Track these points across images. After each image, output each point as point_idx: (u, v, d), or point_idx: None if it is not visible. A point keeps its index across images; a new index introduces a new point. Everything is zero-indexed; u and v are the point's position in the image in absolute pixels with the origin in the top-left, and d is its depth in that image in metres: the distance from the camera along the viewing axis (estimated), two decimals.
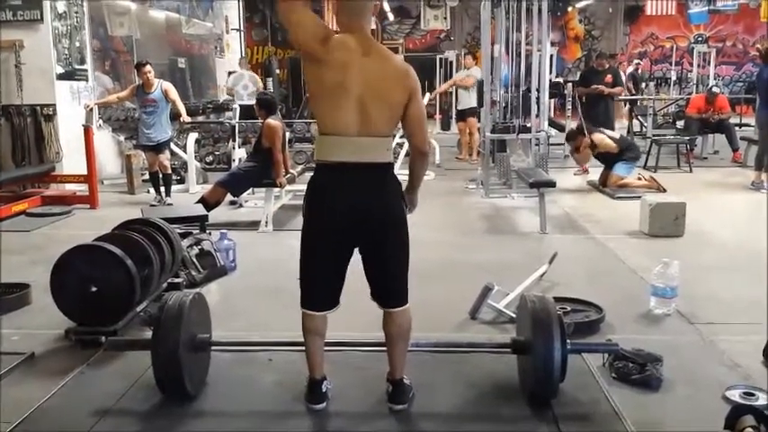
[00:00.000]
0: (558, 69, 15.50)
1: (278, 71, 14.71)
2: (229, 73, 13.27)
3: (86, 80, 8.39)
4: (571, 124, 10.92)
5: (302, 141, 8.86)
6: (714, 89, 10.65)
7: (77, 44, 8.15)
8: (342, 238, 2.57)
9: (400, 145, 9.20)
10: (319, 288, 2.65)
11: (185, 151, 8.26)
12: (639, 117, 12.63)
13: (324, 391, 2.75)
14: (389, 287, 2.66)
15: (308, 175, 4.62)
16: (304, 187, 2.67)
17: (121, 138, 9.10)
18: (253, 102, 10.53)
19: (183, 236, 4.59)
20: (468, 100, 10.07)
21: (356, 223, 2.53)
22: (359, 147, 2.49)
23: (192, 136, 8.39)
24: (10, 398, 2.84)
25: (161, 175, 7.29)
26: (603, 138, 7.82)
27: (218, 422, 2.73)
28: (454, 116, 10.73)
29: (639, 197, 6.17)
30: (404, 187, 2.70)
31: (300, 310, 2.68)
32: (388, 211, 2.56)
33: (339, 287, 2.66)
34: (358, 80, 2.44)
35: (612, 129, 9.61)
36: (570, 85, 11.29)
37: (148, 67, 7.20)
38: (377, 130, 2.49)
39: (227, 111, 11.31)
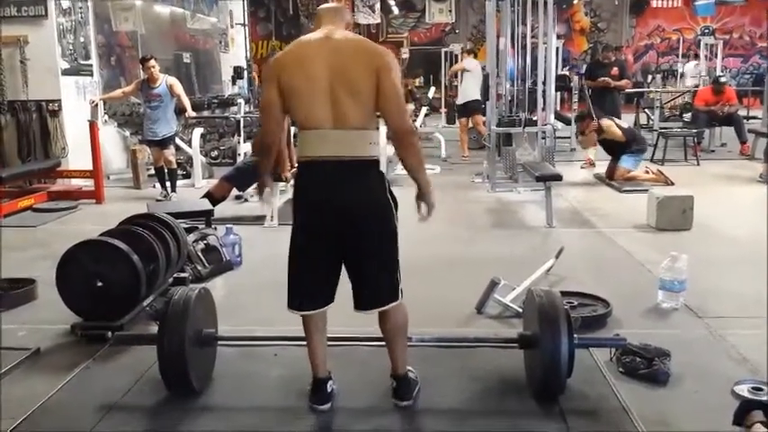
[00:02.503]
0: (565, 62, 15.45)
1: None
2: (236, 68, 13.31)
3: (91, 75, 8.38)
4: None
5: None
6: (721, 79, 10.57)
7: (82, 39, 8.14)
8: (323, 236, 2.53)
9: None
10: (302, 289, 2.60)
11: (191, 146, 8.26)
12: (646, 110, 12.56)
13: (329, 391, 2.72)
14: (370, 287, 2.58)
15: None
16: None
17: (127, 133, 9.11)
18: None
19: (189, 231, 4.59)
20: (470, 92, 9.92)
21: (336, 221, 2.49)
22: (335, 140, 2.46)
23: (198, 131, 8.39)
24: (16, 393, 2.85)
25: (166, 170, 7.29)
26: (611, 124, 7.78)
27: (223, 417, 2.72)
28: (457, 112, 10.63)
29: (646, 190, 6.14)
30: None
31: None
32: (368, 209, 2.51)
33: (323, 288, 2.60)
34: (325, 71, 2.42)
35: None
36: (576, 77, 11.24)
37: (153, 62, 7.19)
38: (352, 121, 2.45)
39: (233, 105, 11.31)
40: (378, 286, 2.59)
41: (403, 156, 2.56)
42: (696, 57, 15.72)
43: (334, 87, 2.42)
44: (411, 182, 2.64)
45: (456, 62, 13.72)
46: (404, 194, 2.70)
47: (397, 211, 2.59)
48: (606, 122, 7.80)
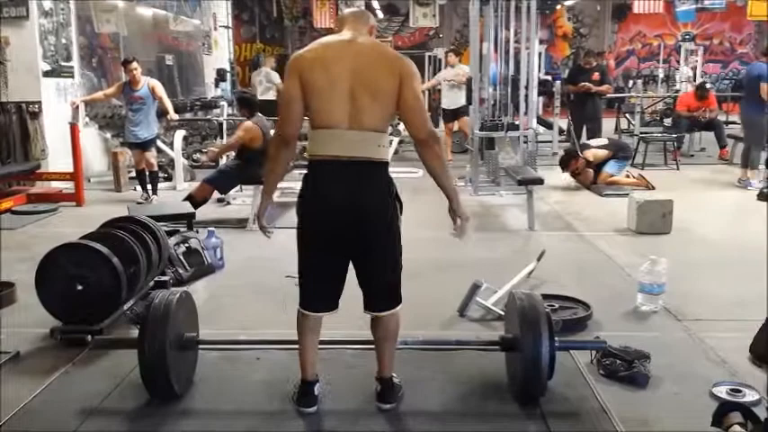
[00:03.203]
0: (546, 67, 15.55)
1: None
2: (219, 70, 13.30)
3: (72, 77, 8.32)
4: (559, 122, 10.96)
5: None
6: (706, 85, 10.67)
7: (63, 41, 8.08)
8: (333, 237, 2.55)
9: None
10: (317, 289, 2.63)
11: (172, 149, 8.21)
12: (627, 115, 12.67)
13: (316, 394, 2.73)
14: (378, 290, 2.63)
15: (296, 172, 4.57)
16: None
17: (108, 135, 9.04)
18: (266, 97, 10.70)
19: (170, 234, 4.56)
20: (459, 99, 9.97)
21: (345, 221, 2.51)
22: (350, 141, 2.47)
23: (180, 133, 8.34)
24: None
25: (147, 173, 7.25)
26: (596, 152, 7.81)
27: (205, 421, 2.71)
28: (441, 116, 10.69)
29: (627, 195, 6.20)
30: (397, 187, 2.66)
31: (297, 309, 2.66)
32: (375, 209, 2.53)
33: (337, 288, 2.63)
34: (346, 73, 2.45)
35: (600, 126, 9.64)
36: (558, 82, 11.32)
37: (135, 64, 7.14)
38: (368, 123, 2.47)
39: (215, 108, 11.27)
40: (385, 287, 2.64)
41: (426, 161, 2.60)
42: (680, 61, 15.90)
43: (354, 89, 2.45)
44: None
45: (440, 66, 13.76)
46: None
47: (401, 213, 2.63)
48: (590, 152, 7.80)
